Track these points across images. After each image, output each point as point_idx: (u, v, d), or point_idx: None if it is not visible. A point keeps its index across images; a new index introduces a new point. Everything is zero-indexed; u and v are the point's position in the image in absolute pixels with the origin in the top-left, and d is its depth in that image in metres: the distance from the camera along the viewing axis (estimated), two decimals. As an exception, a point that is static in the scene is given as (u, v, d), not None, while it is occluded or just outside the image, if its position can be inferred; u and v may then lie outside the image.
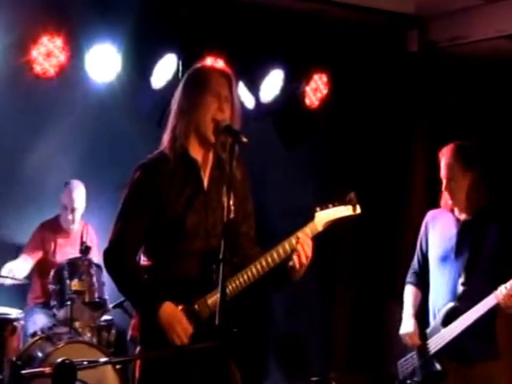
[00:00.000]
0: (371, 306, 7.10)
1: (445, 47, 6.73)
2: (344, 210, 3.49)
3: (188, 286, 3.38)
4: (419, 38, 6.80)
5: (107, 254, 3.49)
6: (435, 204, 4.78)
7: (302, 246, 3.40)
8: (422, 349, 4.55)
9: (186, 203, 3.42)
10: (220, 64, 6.23)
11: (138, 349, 3.51)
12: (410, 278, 4.83)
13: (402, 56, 6.86)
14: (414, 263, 4.82)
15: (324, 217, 3.46)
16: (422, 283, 4.74)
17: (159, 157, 3.48)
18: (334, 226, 3.53)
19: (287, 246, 3.42)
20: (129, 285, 3.47)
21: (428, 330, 4.56)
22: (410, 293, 4.76)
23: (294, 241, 3.41)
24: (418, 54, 6.82)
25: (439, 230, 4.64)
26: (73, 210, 6.09)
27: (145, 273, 3.49)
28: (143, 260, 3.53)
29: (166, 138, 3.51)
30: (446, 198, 4.61)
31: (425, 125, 6.94)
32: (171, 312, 3.34)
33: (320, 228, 3.45)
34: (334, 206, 3.48)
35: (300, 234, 3.41)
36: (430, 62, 6.78)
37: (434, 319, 4.55)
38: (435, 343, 4.48)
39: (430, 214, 4.76)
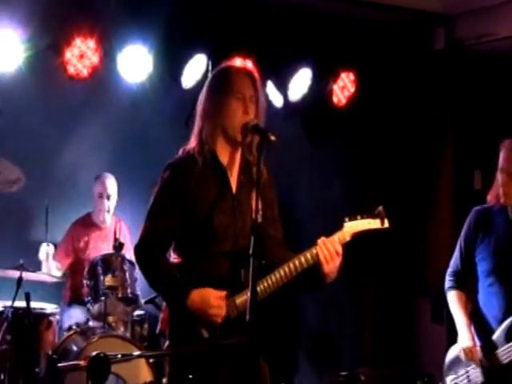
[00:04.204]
0: (399, 304, 7.12)
1: (472, 45, 6.68)
2: (372, 223, 3.52)
3: (217, 287, 3.43)
4: (446, 35, 6.78)
5: (137, 250, 3.58)
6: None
7: (322, 249, 3.44)
8: (487, 362, 4.30)
9: (213, 204, 3.46)
10: (249, 64, 6.31)
11: (166, 343, 3.58)
12: (451, 282, 4.57)
13: (429, 54, 6.84)
14: (455, 265, 4.56)
15: (352, 227, 3.49)
16: (467, 285, 4.54)
17: (188, 158, 3.52)
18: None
19: (314, 251, 3.46)
20: (158, 278, 3.54)
21: (493, 338, 4.31)
22: (457, 299, 4.51)
23: (316, 249, 3.46)
24: (444, 52, 6.79)
25: (492, 234, 4.42)
26: (108, 197, 6.20)
27: (175, 270, 3.54)
28: (173, 257, 3.60)
29: (193, 140, 3.56)
30: (499, 194, 4.38)
31: (451, 122, 6.93)
32: (199, 297, 3.39)
33: (348, 238, 3.49)
34: (362, 217, 3.51)
35: (320, 241, 3.46)
36: (457, 60, 6.75)
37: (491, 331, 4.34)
38: (505, 354, 4.26)
39: (477, 213, 4.52)
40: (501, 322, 4.31)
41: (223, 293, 3.43)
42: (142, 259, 3.59)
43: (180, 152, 3.60)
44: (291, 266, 3.45)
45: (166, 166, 3.56)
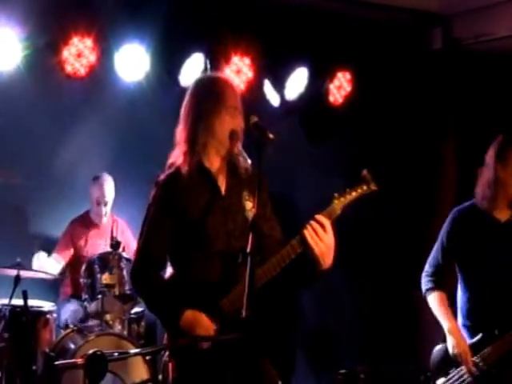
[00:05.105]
0: (399, 300, 7.13)
1: (469, 44, 6.73)
2: (360, 190, 3.52)
3: (212, 287, 3.46)
4: (443, 35, 6.82)
5: (133, 274, 3.64)
6: (465, 200, 4.60)
7: (308, 229, 3.39)
8: (478, 361, 4.28)
9: (205, 207, 3.52)
10: (246, 62, 6.37)
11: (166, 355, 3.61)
12: (431, 282, 4.50)
13: (426, 53, 6.87)
14: (434, 265, 4.51)
15: (341, 201, 3.48)
16: (445, 284, 4.51)
17: (174, 172, 3.58)
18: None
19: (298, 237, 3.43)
20: (154, 300, 3.59)
21: (476, 341, 4.32)
22: (441, 300, 4.47)
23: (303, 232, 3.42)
24: (442, 52, 6.84)
25: (475, 233, 4.40)
26: (105, 204, 6.21)
27: (171, 283, 3.59)
28: (169, 272, 3.65)
29: (179, 148, 3.61)
30: (493, 195, 4.35)
31: (449, 122, 6.96)
32: (191, 317, 3.42)
33: (338, 211, 3.47)
34: (350, 189, 3.51)
35: (308, 225, 3.41)
36: (454, 60, 6.78)
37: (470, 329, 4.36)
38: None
39: (458, 213, 4.49)
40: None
41: (213, 324, 3.44)
42: (137, 283, 3.64)
43: (167, 166, 3.65)
44: (283, 252, 3.43)
45: (154, 184, 3.62)
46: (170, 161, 3.64)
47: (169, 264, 3.68)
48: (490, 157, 4.41)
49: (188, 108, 3.62)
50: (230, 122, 3.54)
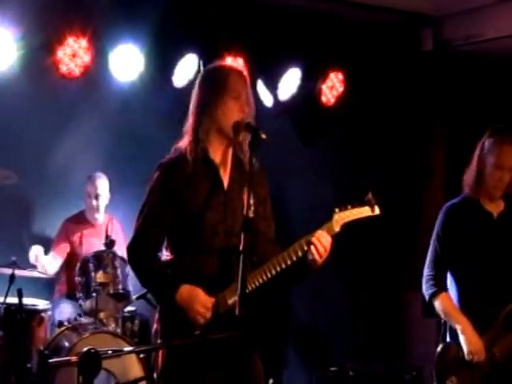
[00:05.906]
0: (390, 298, 7.17)
1: (459, 46, 6.79)
2: (362, 211, 3.51)
3: (207, 283, 3.48)
4: (434, 36, 6.88)
5: (129, 251, 3.64)
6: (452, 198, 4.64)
7: (317, 240, 3.43)
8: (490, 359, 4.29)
9: (205, 201, 3.52)
10: (240, 63, 6.40)
11: (159, 341, 3.60)
12: (434, 286, 4.43)
13: (417, 55, 6.93)
14: (434, 268, 4.45)
15: (342, 218, 3.48)
16: (445, 284, 4.47)
17: (178, 157, 3.57)
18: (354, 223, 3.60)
19: (303, 244, 3.46)
20: (149, 275, 3.60)
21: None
22: (447, 304, 4.41)
23: (309, 238, 3.45)
24: (432, 53, 6.89)
25: (469, 226, 4.39)
26: (97, 197, 6.22)
27: (167, 267, 3.60)
28: (166, 255, 3.66)
29: (187, 136, 3.61)
30: (484, 187, 4.35)
31: (439, 122, 7.01)
32: (187, 292, 3.45)
33: (337, 229, 3.48)
34: (352, 207, 3.50)
35: (314, 238, 3.44)
36: (445, 61, 6.83)
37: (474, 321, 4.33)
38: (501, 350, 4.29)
39: (451, 208, 4.48)
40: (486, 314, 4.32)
41: (212, 299, 3.48)
42: (133, 260, 3.66)
43: (172, 151, 3.65)
44: (280, 258, 3.46)
45: (156, 167, 3.62)
46: (177, 145, 3.64)
47: (165, 251, 3.71)
48: (478, 149, 4.42)
49: (195, 98, 3.62)
50: (234, 111, 3.51)
